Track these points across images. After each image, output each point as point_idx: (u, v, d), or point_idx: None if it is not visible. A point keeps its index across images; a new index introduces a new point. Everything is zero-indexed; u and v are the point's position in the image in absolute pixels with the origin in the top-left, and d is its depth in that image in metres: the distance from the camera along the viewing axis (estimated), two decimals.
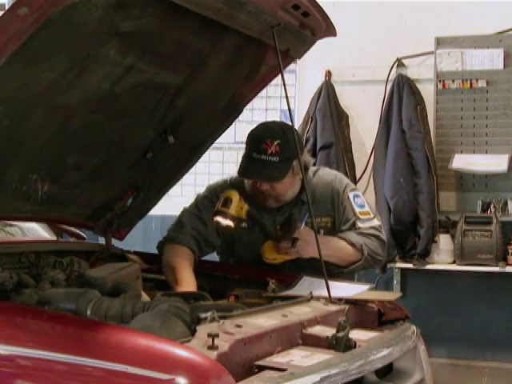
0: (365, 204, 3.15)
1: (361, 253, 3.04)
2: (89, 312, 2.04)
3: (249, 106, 3.07)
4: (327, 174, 3.22)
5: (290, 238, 2.92)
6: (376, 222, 3.14)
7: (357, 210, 3.11)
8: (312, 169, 3.18)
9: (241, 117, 3.10)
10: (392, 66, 5.06)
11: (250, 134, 3.02)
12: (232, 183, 3.13)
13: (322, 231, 3.06)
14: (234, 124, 3.12)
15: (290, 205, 3.07)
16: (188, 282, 2.76)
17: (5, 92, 2.08)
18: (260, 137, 2.94)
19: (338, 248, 3.03)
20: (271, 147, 2.88)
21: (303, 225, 2.94)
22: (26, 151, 2.39)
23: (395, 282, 5.01)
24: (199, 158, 3.09)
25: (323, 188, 3.13)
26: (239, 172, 3.01)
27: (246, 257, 3.10)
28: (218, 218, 2.87)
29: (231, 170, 4.48)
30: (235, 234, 3.04)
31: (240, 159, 3.02)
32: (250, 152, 2.95)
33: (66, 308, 2.06)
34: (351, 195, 3.13)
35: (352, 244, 3.04)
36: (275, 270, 2.97)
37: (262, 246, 3.00)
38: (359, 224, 3.09)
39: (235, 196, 2.85)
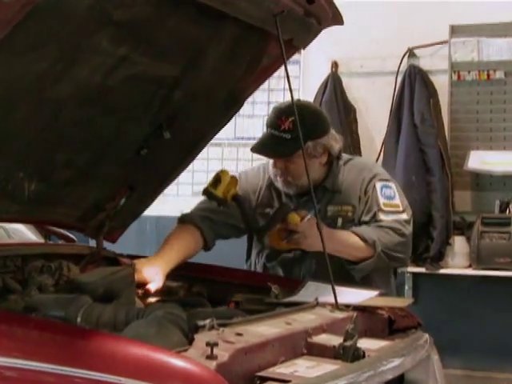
0: (395, 196, 3.14)
1: (373, 249, 3.01)
2: (79, 319, 2.05)
3: (250, 99, 3.09)
4: (360, 163, 3.27)
5: (286, 230, 2.96)
6: (403, 216, 3.11)
7: (381, 201, 3.09)
8: (345, 157, 3.21)
9: (241, 111, 3.10)
10: (403, 57, 5.07)
11: (272, 109, 3.15)
12: (264, 170, 3.21)
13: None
14: (234, 119, 3.13)
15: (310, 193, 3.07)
16: (161, 256, 2.82)
17: None
18: (277, 112, 3.05)
19: (347, 244, 3.02)
20: (285, 124, 2.97)
21: (308, 217, 2.95)
22: (12, 148, 2.40)
23: (407, 287, 5.02)
24: (197, 154, 3.09)
25: (353, 176, 3.16)
26: (252, 146, 3.12)
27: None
28: (204, 197, 2.95)
29: (231, 167, 4.49)
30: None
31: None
32: (267, 127, 3.09)
33: (55, 315, 2.07)
34: (379, 185, 3.12)
35: (364, 239, 3.01)
36: (278, 275, 2.98)
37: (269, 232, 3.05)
38: (381, 216, 3.07)
39: (226, 177, 2.90)
